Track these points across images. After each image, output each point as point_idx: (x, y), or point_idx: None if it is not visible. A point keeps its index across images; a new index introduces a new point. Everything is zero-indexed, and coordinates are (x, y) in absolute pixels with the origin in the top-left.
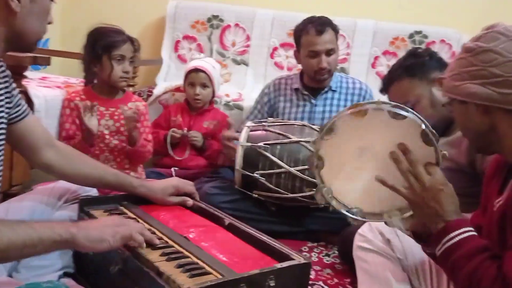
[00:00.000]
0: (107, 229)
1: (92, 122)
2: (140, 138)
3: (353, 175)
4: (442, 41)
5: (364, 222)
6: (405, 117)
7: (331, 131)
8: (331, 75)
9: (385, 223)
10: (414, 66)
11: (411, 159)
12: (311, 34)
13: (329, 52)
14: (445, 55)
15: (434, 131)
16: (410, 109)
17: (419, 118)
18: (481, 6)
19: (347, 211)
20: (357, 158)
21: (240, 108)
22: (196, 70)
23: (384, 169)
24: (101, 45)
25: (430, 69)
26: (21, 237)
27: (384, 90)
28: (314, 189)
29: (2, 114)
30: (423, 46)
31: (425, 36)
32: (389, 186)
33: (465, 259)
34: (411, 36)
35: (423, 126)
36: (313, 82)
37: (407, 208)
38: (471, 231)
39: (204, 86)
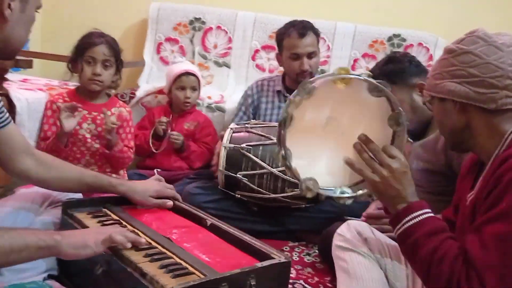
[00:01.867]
0: (89, 236)
1: (68, 121)
2: (119, 143)
3: (314, 146)
4: (420, 44)
5: (316, 193)
6: (382, 94)
7: (310, 92)
8: (312, 77)
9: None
10: (394, 72)
11: (372, 148)
12: (293, 37)
13: (310, 55)
14: (422, 58)
15: (403, 112)
16: (389, 92)
17: (394, 101)
18: (457, 10)
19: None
20: (323, 128)
21: (222, 110)
22: (187, 73)
23: (345, 146)
24: (78, 46)
25: (410, 75)
26: (8, 242)
27: None
28: (296, 189)
29: None
30: (401, 49)
31: (403, 39)
32: (356, 170)
33: (426, 238)
34: (389, 39)
35: (398, 109)
36: (295, 85)
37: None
38: (430, 212)
39: (193, 89)
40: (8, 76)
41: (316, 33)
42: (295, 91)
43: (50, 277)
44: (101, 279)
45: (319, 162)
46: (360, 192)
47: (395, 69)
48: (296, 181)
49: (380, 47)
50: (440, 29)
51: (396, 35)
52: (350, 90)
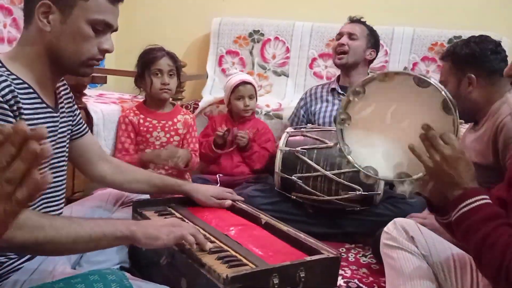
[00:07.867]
0: (163, 229)
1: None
2: (188, 150)
3: (374, 139)
4: None
5: (376, 179)
6: (429, 84)
7: (360, 93)
8: (346, 53)
9: (394, 184)
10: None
11: (430, 135)
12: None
13: (351, 36)
14: None
15: (454, 100)
16: (434, 80)
17: (442, 88)
18: None
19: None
20: (380, 123)
21: (279, 117)
22: (244, 83)
23: (403, 136)
24: (142, 62)
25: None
26: (88, 232)
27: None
28: (350, 193)
29: (68, 131)
30: None
31: None
32: (416, 154)
33: (480, 224)
34: (450, 41)
35: (444, 95)
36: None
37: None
38: (487, 199)
39: (251, 97)
40: (86, 91)
41: (362, 22)
42: (348, 91)
43: (122, 268)
44: (165, 269)
45: (378, 153)
46: (416, 176)
47: (464, 53)
48: (348, 184)
49: (440, 49)
50: (504, 29)
51: (457, 37)
52: (398, 83)
